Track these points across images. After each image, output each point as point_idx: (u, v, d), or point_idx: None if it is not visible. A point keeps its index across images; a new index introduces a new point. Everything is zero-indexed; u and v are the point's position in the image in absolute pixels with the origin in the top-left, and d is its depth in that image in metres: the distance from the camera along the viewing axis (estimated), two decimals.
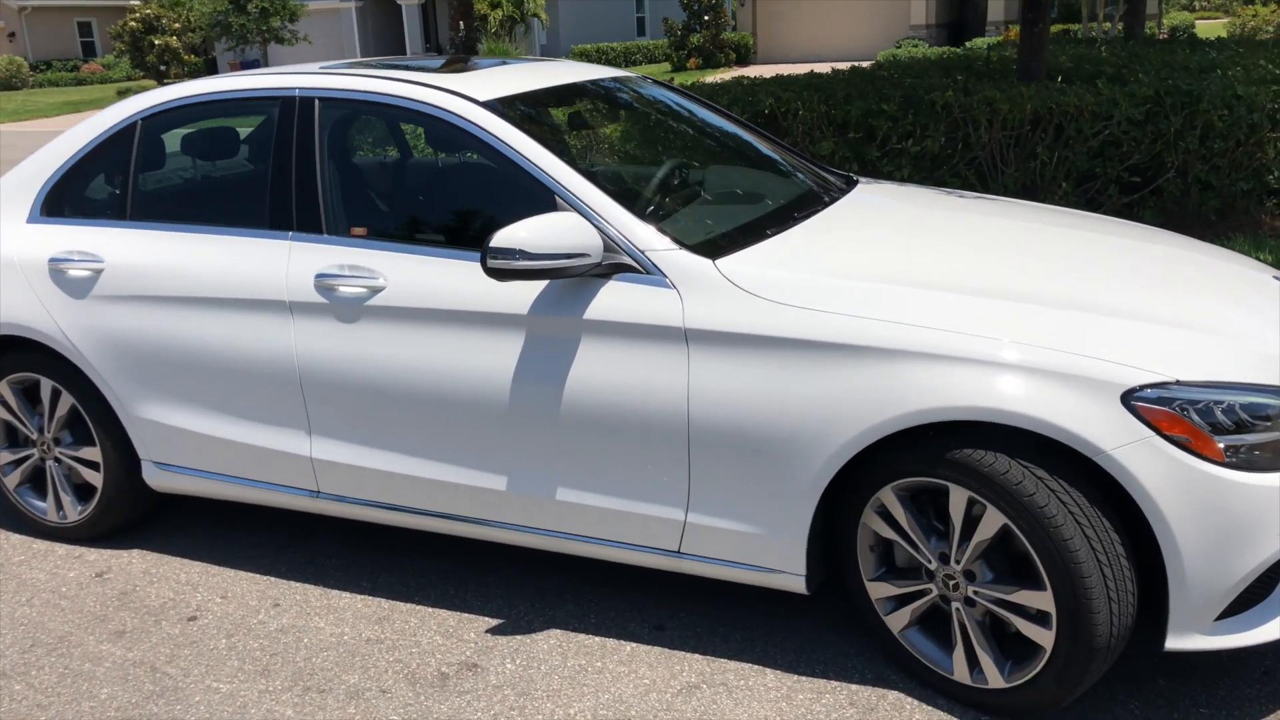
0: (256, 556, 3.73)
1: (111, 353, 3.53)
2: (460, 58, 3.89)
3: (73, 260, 3.58)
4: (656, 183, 3.33)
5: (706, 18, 32.07)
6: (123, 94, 32.12)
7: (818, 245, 3.06)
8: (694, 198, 3.39)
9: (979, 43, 27.80)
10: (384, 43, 35.80)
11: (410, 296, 3.09)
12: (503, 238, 2.78)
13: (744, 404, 2.73)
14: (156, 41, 34.87)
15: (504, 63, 3.74)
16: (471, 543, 3.74)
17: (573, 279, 2.90)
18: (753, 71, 28.93)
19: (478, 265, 3.04)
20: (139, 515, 3.90)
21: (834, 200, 3.54)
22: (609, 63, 33.48)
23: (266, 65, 27.05)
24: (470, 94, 3.23)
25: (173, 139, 3.69)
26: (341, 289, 3.18)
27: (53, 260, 3.61)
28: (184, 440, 3.54)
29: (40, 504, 3.93)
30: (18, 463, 3.93)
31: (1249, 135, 6.51)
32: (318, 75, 3.43)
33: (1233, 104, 6.47)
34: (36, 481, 3.97)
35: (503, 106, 3.21)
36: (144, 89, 32.44)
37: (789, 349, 2.68)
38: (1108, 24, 27.98)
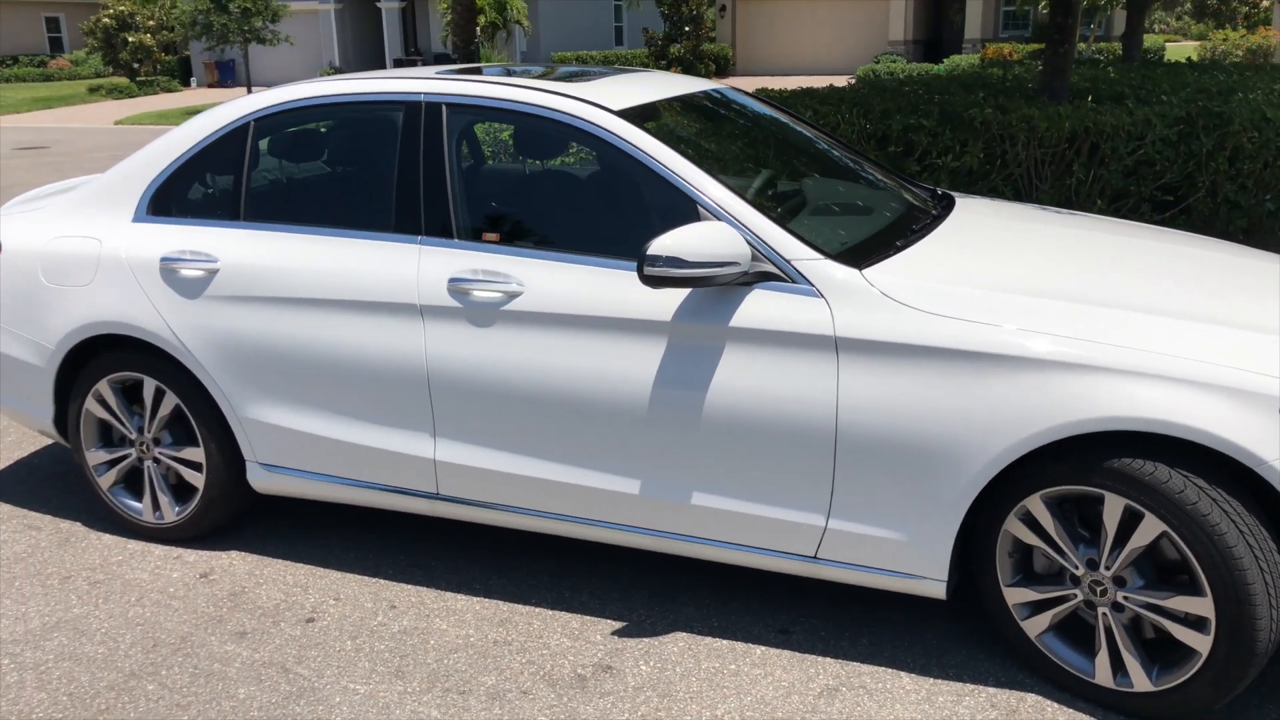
0: (360, 558, 3.74)
1: (223, 353, 3.53)
2: (574, 69, 3.93)
3: (185, 260, 3.57)
4: (776, 193, 3.39)
5: (688, 28, 32.23)
6: (94, 91, 31.73)
7: (953, 257, 3.14)
8: (809, 208, 3.45)
9: (957, 59, 28.20)
10: (362, 46, 35.63)
11: (548, 302, 3.12)
12: (660, 246, 2.83)
13: (895, 413, 2.80)
14: (130, 39, 34.50)
15: (614, 72, 3.79)
16: (576, 544, 3.77)
17: (715, 287, 2.95)
18: (733, 83, 29.16)
19: (617, 272, 3.08)
20: (235, 516, 3.89)
21: (943, 214, 3.62)
22: None
23: (247, 65, 26.84)
24: (605, 103, 3.27)
25: (286, 140, 3.69)
26: (476, 293, 3.21)
27: (164, 260, 3.60)
28: (295, 442, 3.54)
29: (135, 504, 3.91)
30: (113, 463, 3.91)
31: (1276, 156, 6.69)
32: (444, 81, 3.46)
33: (1262, 126, 6.66)
34: (131, 481, 3.95)
35: (636, 116, 3.26)
36: (115, 86, 32.12)
37: (943, 359, 2.75)
38: (1082, 44, 28.50)
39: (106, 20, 34.54)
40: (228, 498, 3.76)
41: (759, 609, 3.35)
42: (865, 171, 3.93)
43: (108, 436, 3.95)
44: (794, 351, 2.89)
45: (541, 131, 3.50)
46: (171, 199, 3.72)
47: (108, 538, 3.95)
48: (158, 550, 3.84)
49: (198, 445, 3.71)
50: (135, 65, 34.39)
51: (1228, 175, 6.75)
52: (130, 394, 3.85)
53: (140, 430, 3.82)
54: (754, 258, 2.95)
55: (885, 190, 3.80)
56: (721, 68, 33.39)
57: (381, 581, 3.59)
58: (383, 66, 34.31)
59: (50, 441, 4.89)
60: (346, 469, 3.52)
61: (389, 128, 3.47)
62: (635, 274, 3.06)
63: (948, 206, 3.76)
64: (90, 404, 3.83)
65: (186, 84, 37.19)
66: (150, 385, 3.72)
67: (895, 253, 3.11)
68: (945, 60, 28.32)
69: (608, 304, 3.06)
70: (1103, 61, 13.75)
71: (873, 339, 2.82)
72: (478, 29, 29.36)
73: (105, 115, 26.09)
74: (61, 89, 33.79)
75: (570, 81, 3.48)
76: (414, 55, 26.45)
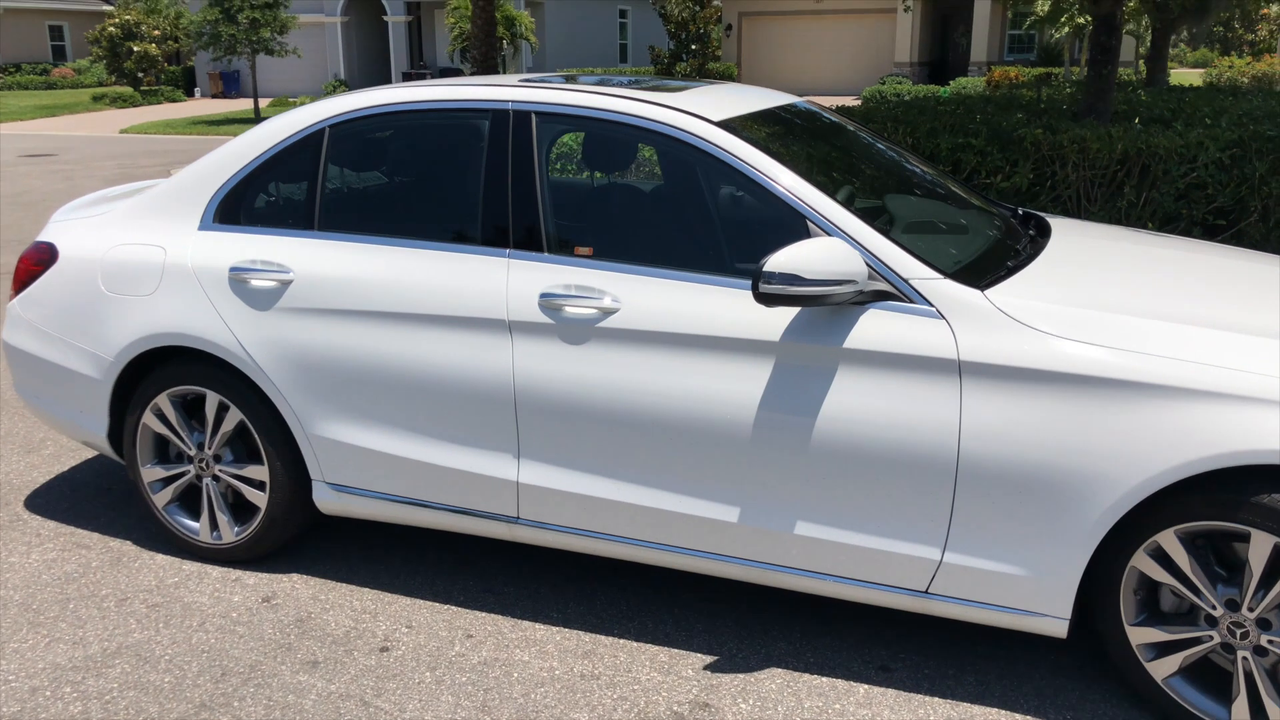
0: (427, 583, 3.59)
1: (294, 368, 3.38)
2: (653, 80, 3.81)
3: (256, 270, 3.43)
4: (879, 209, 3.26)
5: (694, 47, 32.26)
6: (98, 99, 31.60)
7: (1071, 279, 3.01)
8: (906, 226, 3.33)
9: (962, 81, 28.24)
10: (368, 59, 35.57)
11: (646, 320, 2.99)
12: (778, 262, 2.70)
13: (1022, 441, 2.66)
14: (135, 48, 34.42)
15: (694, 84, 3.67)
16: (654, 571, 3.62)
17: (828, 306, 2.82)
18: None
19: (720, 289, 2.95)
20: (294, 537, 3.74)
21: (1040, 234, 3.50)
22: None
23: (254, 77, 26.74)
24: (704, 114, 3.15)
25: (363, 147, 3.56)
26: (569, 310, 3.07)
27: (234, 270, 3.46)
28: (367, 461, 3.39)
29: (191, 523, 3.75)
30: (170, 480, 3.75)
31: None
32: (531, 89, 3.33)
33: None
34: (188, 500, 3.79)
35: (736, 128, 3.13)
36: (119, 95, 31.98)
37: (1077, 386, 2.62)
38: (1076, 69, 28.57)
39: (112, 29, 34.46)
40: (290, 518, 3.60)
41: (855, 644, 3.20)
42: (951, 190, 3.81)
43: (164, 452, 3.79)
44: (914, 375, 2.76)
45: (636, 142, 3.36)
46: (240, 207, 3.58)
47: (161, 558, 3.79)
48: (214, 572, 3.68)
49: (261, 463, 3.56)
50: (139, 74, 34.30)
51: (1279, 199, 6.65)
52: (190, 409, 3.69)
53: (200, 446, 3.66)
54: (870, 276, 2.82)
55: (976, 209, 3.67)
56: None
57: (454, 609, 3.43)
58: (388, 80, 34.26)
59: (91, 455, 4.73)
60: (419, 490, 3.37)
61: (474, 137, 3.33)
62: (739, 291, 2.94)
63: (1041, 227, 3.64)
64: (148, 418, 3.68)
65: (190, 94, 37.10)
66: (213, 400, 3.57)
67: (1010, 274, 2.98)
68: (951, 83, 28.36)
69: (710, 322, 2.93)
70: (1133, 85, 13.70)
71: (999, 363, 2.69)
72: (497, 43, 29.41)
73: (110, 124, 25.96)
74: (65, 97, 33.64)
75: (657, 92, 3.35)
76: (421, 69, 26.33)
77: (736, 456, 2.93)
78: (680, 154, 3.13)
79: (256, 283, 3.43)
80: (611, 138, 3.37)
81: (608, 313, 3.03)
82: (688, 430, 2.97)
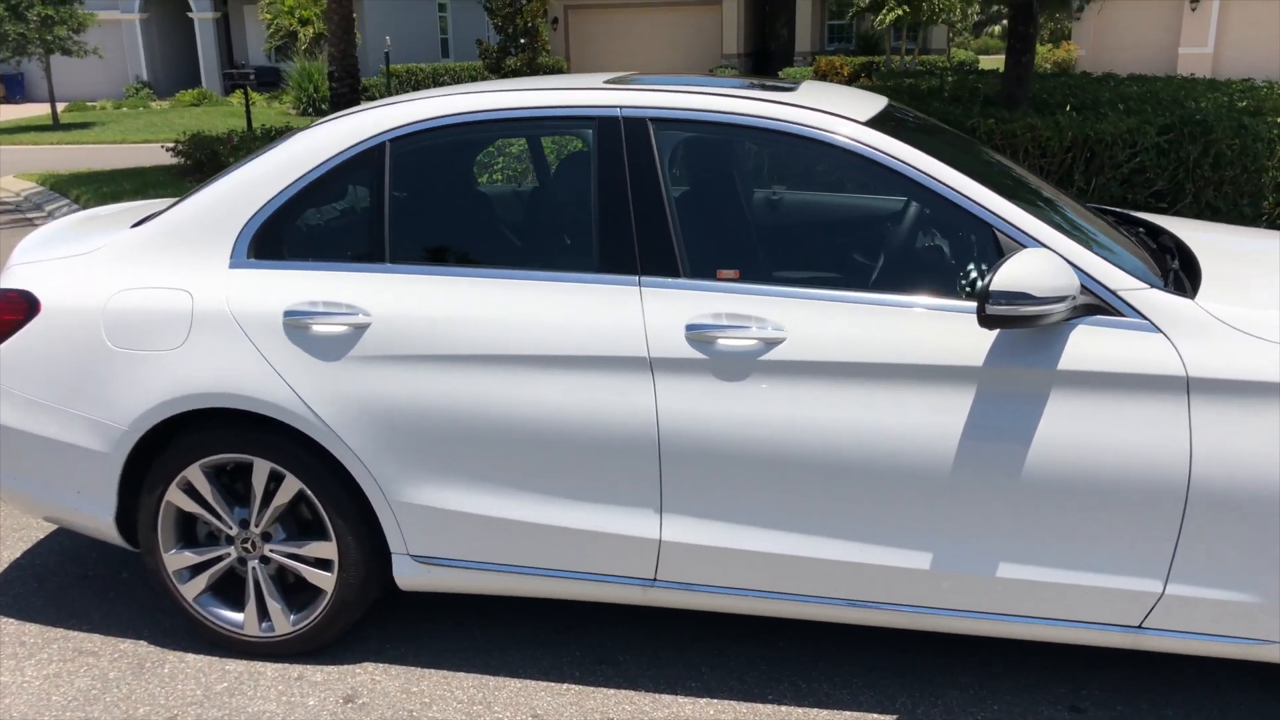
0: (530, 660, 3.14)
1: (374, 426, 2.88)
2: (739, 80, 3.44)
3: (319, 314, 2.89)
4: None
5: (524, 40, 31.67)
6: None
7: (1247, 283, 2.85)
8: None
9: (790, 71, 28.80)
10: (173, 58, 33.31)
11: (817, 349, 2.65)
12: (1005, 281, 2.42)
13: (1257, 460, 2.47)
14: None
15: (791, 84, 3.33)
16: (781, 624, 3.29)
17: (1035, 326, 2.55)
18: None
19: (901, 310, 2.65)
20: (356, 622, 3.21)
21: (1165, 235, 3.35)
22: (418, 85, 32.48)
23: (49, 79, 24.53)
24: (848, 113, 2.83)
25: (434, 164, 3.06)
26: (724, 342, 2.69)
27: (290, 314, 2.91)
28: (465, 528, 2.92)
29: (232, 615, 3.17)
30: (202, 566, 3.16)
31: (1254, 162, 6.85)
32: (638, 91, 2.92)
33: (1240, 133, 6.79)
34: (224, 587, 3.20)
35: (885, 129, 2.83)
36: None
37: None
38: (909, 57, 29.65)
39: None
40: (361, 601, 3.09)
41: (1035, 684, 2.96)
42: (1059, 193, 3.61)
43: (191, 534, 3.19)
44: (1137, 395, 2.53)
45: (771, 148, 3.00)
46: (282, 239, 3.02)
47: (192, 658, 3.18)
48: (269, 671, 3.12)
49: (328, 539, 3.02)
50: None
51: (1210, 181, 6.85)
52: (228, 480, 3.11)
53: (243, 524, 3.09)
54: (1080, 290, 2.57)
55: (1094, 213, 3.47)
56: None
57: (576, 688, 3.00)
58: (197, 81, 32.19)
59: (42, 535, 4.00)
60: (530, 556, 2.93)
61: (578, 148, 2.90)
62: (925, 312, 2.63)
63: (1154, 229, 3.49)
64: (174, 495, 3.08)
65: None
66: (262, 469, 3.00)
67: (1197, 281, 2.80)
68: (780, 73, 28.88)
69: (895, 349, 2.62)
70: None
71: (1231, 377, 2.49)
72: (300, 39, 27.92)
73: None
74: None
75: (768, 91, 3.00)
76: (242, 69, 24.64)
77: (931, 497, 2.64)
78: (830, 159, 2.80)
79: (321, 328, 2.89)
80: (740, 144, 3.00)
81: (771, 344, 2.67)
82: (873, 471, 2.65)
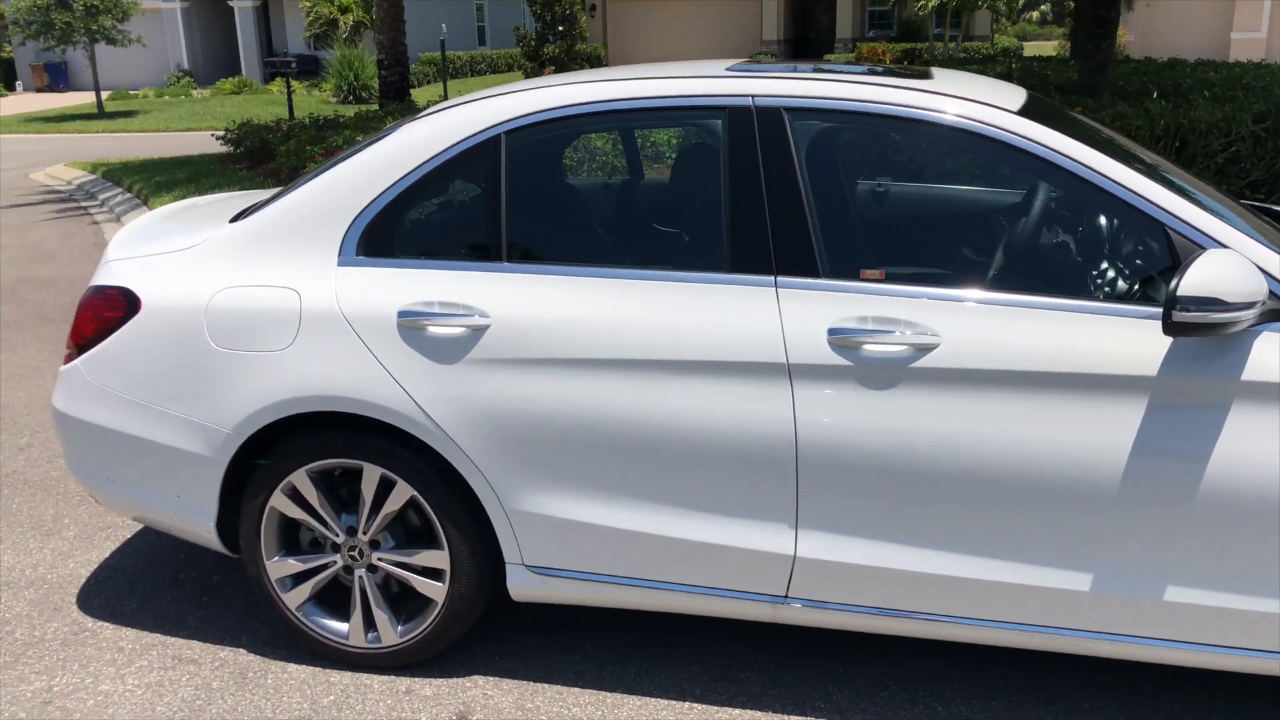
0: (646, 674, 3.00)
1: (493, 432, 2.74)
2: (859, 67, 3.27)
3: (435, 315, 2.76)
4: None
5: (561, 28, 31.50)
6: None
7: None
8: None
9: (832, 59, 28.47)
10: (213, 47, 33.43)
11: (975, 356, 2.48)
12: (1195, 286, 2.25)
13: None
14: None
15: (936, 71, 3.15)
16: (893, 639, 3.13)
17: (1217, 334, 2.37)
18: None
19: (1064, 314, 2.47)
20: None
21: None
22: (455, 73, 32.40)
23: (94, 68, 24.62)
24: (998, 102, 2.65)
25: (553, 157, 2.92)
26: (870, 347, 2.54)
27: (405, 315, 2.77)
28: (585, 539, 2.78)
29: (336, 625, 3.05)
30: (306, 575, 3.04)
31: None
32: (772, 79, 2.76)
33: None
34: (328, 596, 3.09)
35: (1037, 119, 2.65)
36: None
37: None
38: (951, 44, 29.22)
39: None
40: (472, 612, 2.96)
41: (1178, 713, 2.79)
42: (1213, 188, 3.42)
43: (294, 541, 3.08)
44: None
45: (917, 139, 2.83)
46: (393, 236, 2.89)
47: (295, 668, 3.07)
48: (376, 684, 3.00)
49: (439, 548, 2.90)
50: None
51: None
52: (335, 486, 3.00)
53: (350, 532, 2.97)
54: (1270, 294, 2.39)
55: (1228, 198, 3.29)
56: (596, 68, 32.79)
57: (700, 707, 2.86)
58: (237, 69, 32.29)
59: (129, 535, 3.91)
60: (653, 569, 2.79)
61: (704, 139, 2.75)
62: (1090, 317, 2.46)
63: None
64: (278, 501, 2.96)
65: (11, 88, 34.17)
66: (372, 474, 2.88)
67: None
68: (824, 58, 28.56)
69: (1059, 357, 2.45)
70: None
71: None
72: (340, 28, 27.89)
73: None
74: None
75: (902, 78, 2.83)
76: (285, 58, 24.58)
77: (1094, 515, 2.47)
78: (982, 153, 2.63)
79: (438, 330, 2.76)
80: (882, 135, 2.83)
81: (924, 350, 2.51)
82: (1031, 487, 2.48)
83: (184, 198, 10.40)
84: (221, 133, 13.23)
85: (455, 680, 3.00)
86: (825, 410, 2.56)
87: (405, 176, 2.89)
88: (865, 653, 3.08)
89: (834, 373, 2.56)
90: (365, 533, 2.96)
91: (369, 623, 3.02)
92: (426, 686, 2.98)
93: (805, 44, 34.26)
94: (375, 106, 20.34)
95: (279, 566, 3.03)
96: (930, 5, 26.73)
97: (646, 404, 2.66)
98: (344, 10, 27.71)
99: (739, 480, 2.65)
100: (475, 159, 2.86)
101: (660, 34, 33.66)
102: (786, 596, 2.74)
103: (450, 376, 2.75)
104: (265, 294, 2.89)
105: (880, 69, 3.00)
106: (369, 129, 10.91)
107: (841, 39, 31.89)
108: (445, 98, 11.21)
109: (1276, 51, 26.60)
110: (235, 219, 3.13)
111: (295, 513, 2.97)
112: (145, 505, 3.12)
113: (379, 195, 2.90)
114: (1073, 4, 29.95)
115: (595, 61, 32.77)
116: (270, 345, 2.86)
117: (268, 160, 12.19)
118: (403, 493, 2.88)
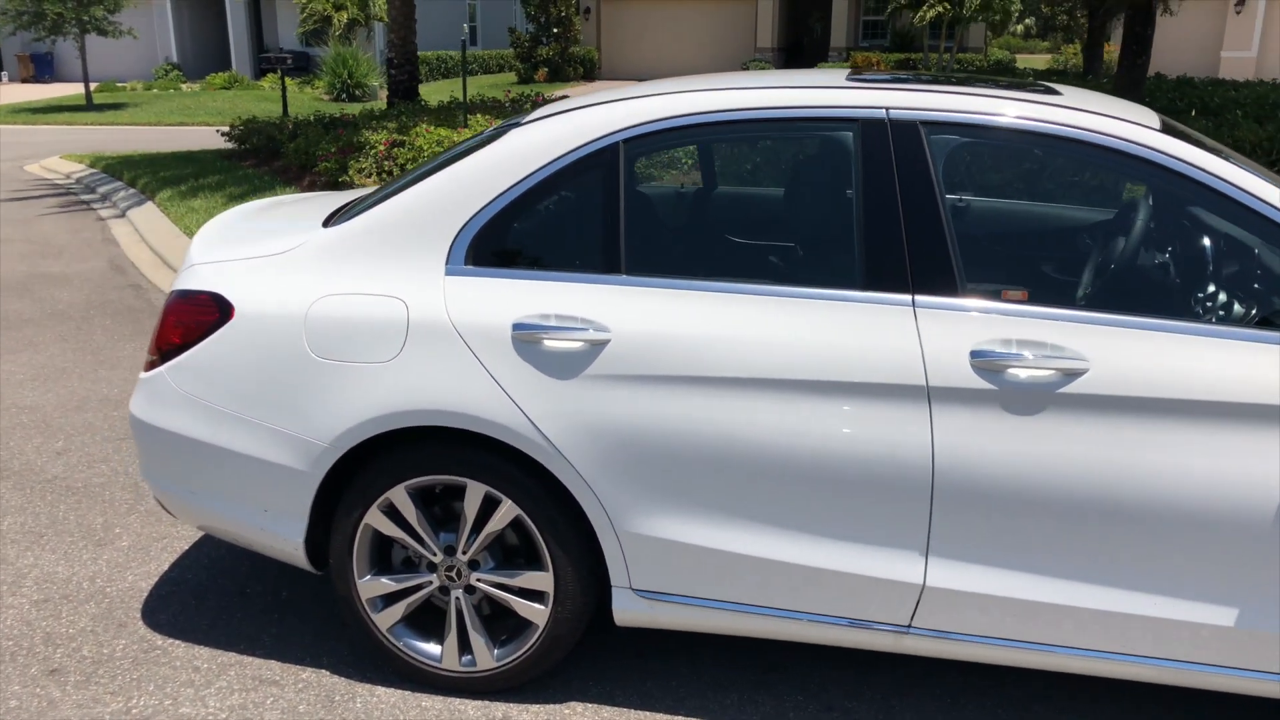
0: (750, 704, 2.90)
1: (609, 450, 2.64)
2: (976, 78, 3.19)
3: (552, 328, 2.65)
4: None
5: (556, 30, 31.42)
6: None
7: None
8: None
9: (824, 67, 28.43)
10: (203, 41, 33.09)
11: (1126, 382, 2.40)
12: None
13: None
14: None
15: (1064, 89, 3.08)
16: (999, 668, 3.05)
17: None
18: (598, 86, 28.51)
19: (1219, 341, 2.40)
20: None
21: None
22: (446, 73, 32.20)
23: (84, 60, 24.27)
24: (1141, 120, 2.58)
25: (669, 166, 2.82)
26: (1016, 371, 2.45)
27: (520, 328, 2.67)
28: (698, 562, 2.68)
29: (428, 647, 2.94)
30: (399, 595, 2.93)
31: None
32: (910, 92, 2.67)
33: None
34: (419, 618, 2.97)
35: (1181, 138, 2.58)
36: None
37: None
38: (946, 55, 29.31)
39: None
40: (574, 635, 2.85)
41: None
42: None
43: (386, 560, 2.96)
44: None
45: (1056, 156, 2.75)
46: (504, 245, 2.79)
47: (383, 691, 2.96)
48: (470, 710, 2.89)
49: (543, 569, 2.79)
50: None
51: None
52: (431, 503, 2.88)
53: (448, 551, 2.86)
54: None
55: None
56: (588, 71, 32.74)
57: None
58: (227, 64, 31.97)
59: (189, 544, 3.77)
60: (767, 596, 2.69)
61: (834, 152, 2.67)
62: (1247, 344, 2.39)
63: None
64: (374, 518, 2.85)
65: None
66: (476, 492, 2.77)
67: None
68: (816, 67, 28.57)
69: (1216, 385, 2.37)
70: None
71: None
72: (335, 24, 27.59)
73: None
74: None
75: (1034, 92, 2.76)
76: (280, 53, 24.25)
77: (1246, 548, 2.39)
78: (1127, 172, 2.56)
79: (555, 344, 2.65)
80: (1022, 152, 2.74)
81: (1071, 375, 2.43)
82: (1184, 518, 2.40)
83: (193, 193, 10.25)
84: (226, 129, 13.02)
85: (553, 707, 2.89)
86: (965, 435, 2.48)
87: (518, 184, 2.79)
88: (972, 684, 2.99)
89: (976, 396, 2.47)
90: (465, 552, 2.84)
91: (464, 645, 2.91)
92: (524, 713, 2.87)
93: (798, 51, 34.30)
94: (374, 105, 20.15)
95: (371, 586, 2.91)
96: (927, 16, 26.74)
97: (774, 424, 2.56)
98: (339, 7, 27.44)
99: (870, 505, 2.56)
100: (592, 167, 2.76)
101: (654, 38, 33.63)
102: (910, 626, 2.65)
103: (566, 392, 2.65)
104: (370, 303, 2.77)
105: (1003, 83, 2.92)
106: (380, 128, 10.77)
107: (836, 47, 31.93)
108: (465, 99, 11.06)
109: (1266, 70, 26.85)
110: (328, 222, 3.01)
111: (392, 531, 2.86)
112: (226, 518, 2.99)
113: (489, 202, 2.79)
114: (1065, 18, 30.08)
115: (588, 63, 32.68)
116: (375, 356, 2.74)
117: (274, 158, 12.02)
118: (507, 512, 2.77)
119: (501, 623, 2.94)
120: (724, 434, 2.58)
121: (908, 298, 2.55)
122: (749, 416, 2.57)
